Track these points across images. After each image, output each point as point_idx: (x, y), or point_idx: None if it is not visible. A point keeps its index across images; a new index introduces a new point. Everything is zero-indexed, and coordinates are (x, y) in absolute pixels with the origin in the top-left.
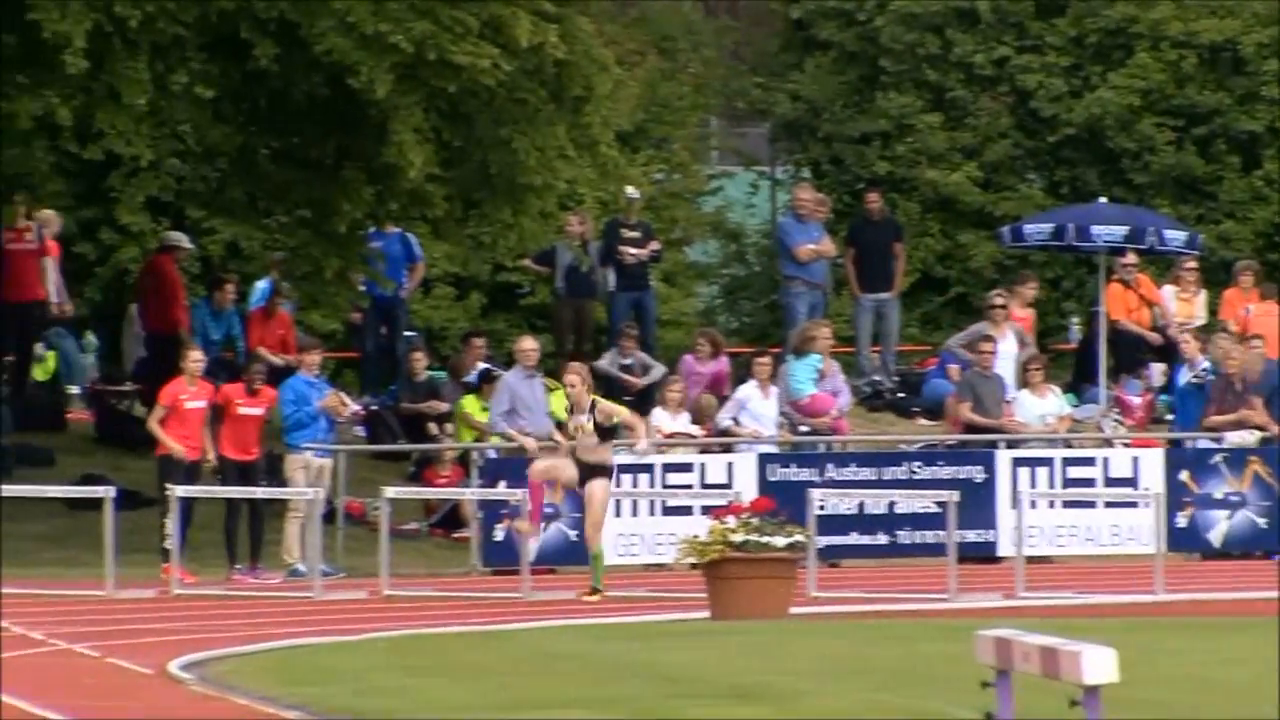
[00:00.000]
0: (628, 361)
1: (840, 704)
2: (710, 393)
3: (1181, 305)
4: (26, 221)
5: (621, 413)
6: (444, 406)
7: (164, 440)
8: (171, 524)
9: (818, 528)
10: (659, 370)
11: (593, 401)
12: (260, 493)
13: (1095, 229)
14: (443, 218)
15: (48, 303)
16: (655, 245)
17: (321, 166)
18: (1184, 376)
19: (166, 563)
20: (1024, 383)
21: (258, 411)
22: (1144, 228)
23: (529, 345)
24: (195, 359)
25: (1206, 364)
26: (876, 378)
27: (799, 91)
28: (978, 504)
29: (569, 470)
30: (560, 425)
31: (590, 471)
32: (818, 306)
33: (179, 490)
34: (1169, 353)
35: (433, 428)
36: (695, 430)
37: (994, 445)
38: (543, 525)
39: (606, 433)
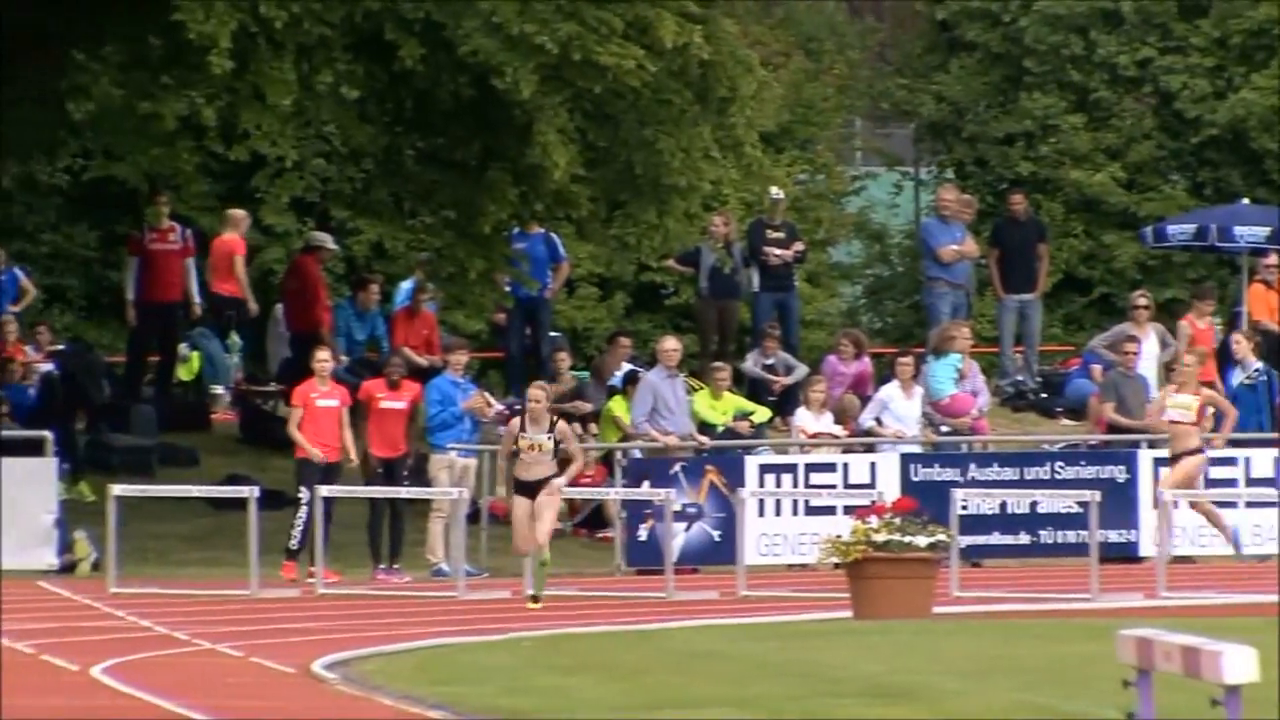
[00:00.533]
0: (770, 361)
1: (984, 703)
2: (853, 393)
3: None
4: (170, 222)
5: (572, 441)
6: (588, 407)
7: (300, 443)
8: (298, 525)
9: (960, 527)
10: (801, 370)
11: (552, 421)
12: (404, 493)
13: (1238, 229)
14: (587, 218)
15: (189, 303)
16: (799, 246)
17: (466, 167)
18: (1236, 378)
19: (289, 561)
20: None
21: (400, 405)
22: None
23: (671, 345)
24: (322, 359)
25: (1259, 365)
26: (1019, 378)
27: (943, 92)
28: (1120, 504)
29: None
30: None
31: (536, 487)
32: (960, 307)
33: (322, 490)
34: None
35: (577, 428)
36: (838, 430)
37: (1136, 445)
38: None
39: (556, 452)
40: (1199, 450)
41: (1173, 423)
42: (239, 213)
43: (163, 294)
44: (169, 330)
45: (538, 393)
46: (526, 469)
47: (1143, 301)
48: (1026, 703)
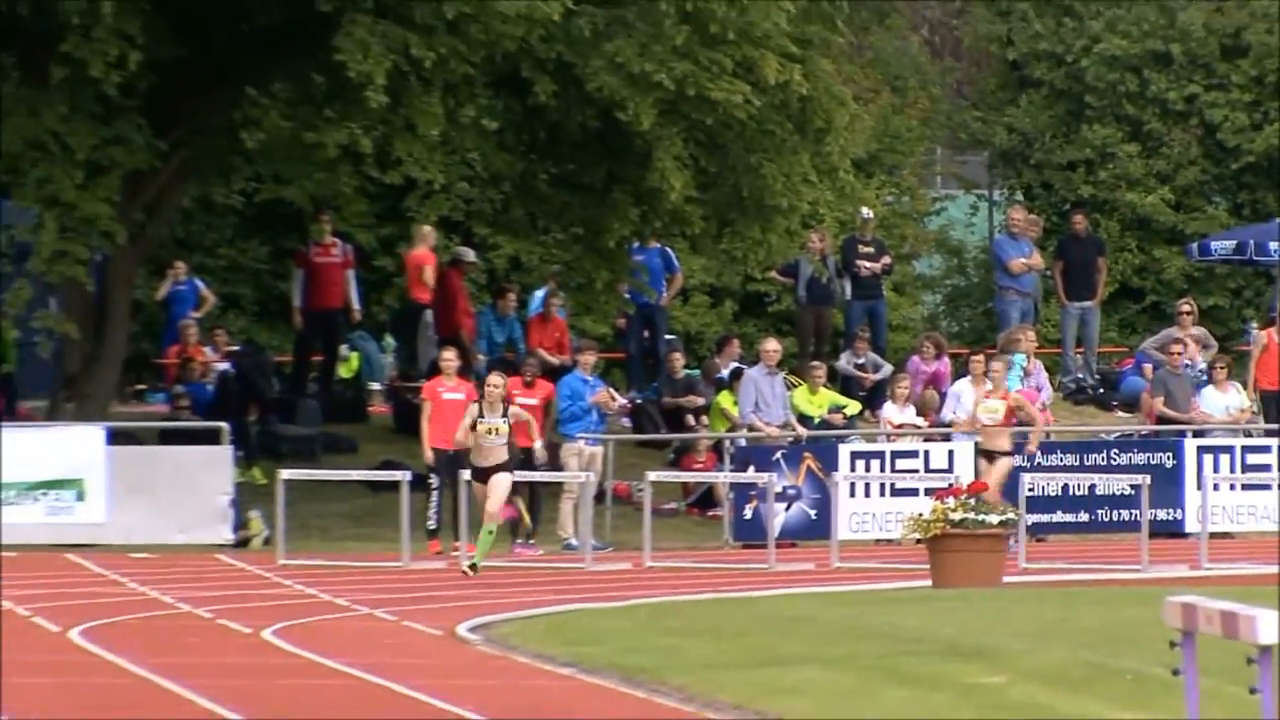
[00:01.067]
0: (860, 361)
1: (1046, 661)
2: (931, 389)
3: None
4: (332, 238)
5: (522, 414)
6: (700, 401)
7: (423, 440)
8: (432, 507)
9: (1027, 507)
10: (887, 369)
11: (505, 405)
12: (539, 476)
13: (1272, 245)
14: (699, 235)
15: (349, 309)
16: (887, 259)
17: (593, 190)
18: None
19: (432, 540)
20: (1210, 380)
21: (534, 401)
22: None
23: (772, 346)
24: (448, 358)
25: None
26: (1080, 375)
27: (1013, 124)
28: (1167, 486)
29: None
30: (473, 425)
31: (490, 473)
32: (1028, 313)
33: (465, 474)
34: None
35: (690, 419)
36: (920, 422)
37: (1182, 435)
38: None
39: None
40: (1011, 452)
41: (984, 425)
42: (428, 228)
43: (325, 301)
44: (331, 333)
45: (496, 379)
46: (483, 455)
47: (1186, 308)
48: (1083, 660)
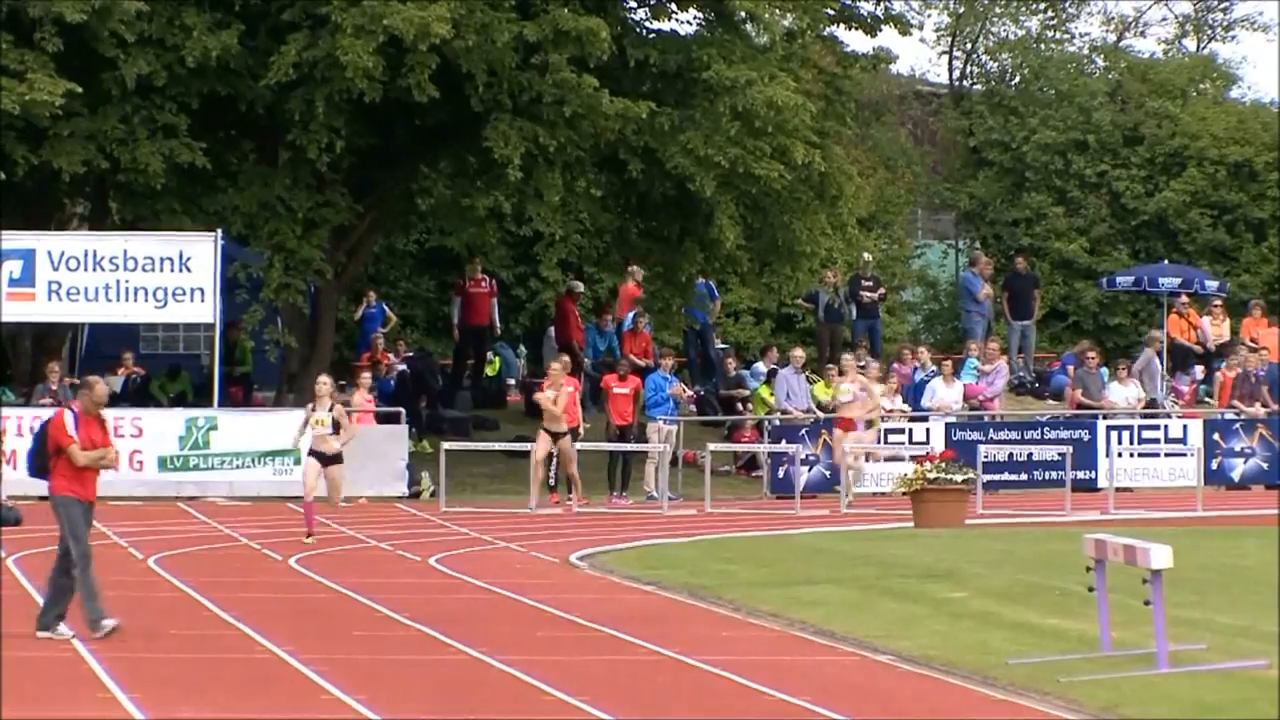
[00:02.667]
0: (862, 364)
1: (997, 582)
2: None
3: (1214, 328)
4: (481, 275)
5: (344, 418)
6: (746, 392)
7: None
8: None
9: (983, 469)
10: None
11: (332, 404)
12: (630, 447)
13: (1161, 279)
14: (747, 273)
15: (493, 326)
16: (881, 290)
17: (669, 240)
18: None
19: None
20: (1114, 377)
21: (626, 391)
22: (1191, 278)
23: (798, 353)
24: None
25: None
26: (1021, 374)
27: (973, 193)
28: (1084, 454)
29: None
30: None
31: (330, 459)
32: (986, 330)
33: (578, 445)
34: (1207, 359)
35: (739, 406)
36: (905, 407)
37: (1095, 417)
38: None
39: (336, 428)
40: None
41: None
42: (637, 269)
43: (475, 320)
44: (479, 344)
45: (324, 379)
46: (320, 442)
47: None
48: (1024, 581)
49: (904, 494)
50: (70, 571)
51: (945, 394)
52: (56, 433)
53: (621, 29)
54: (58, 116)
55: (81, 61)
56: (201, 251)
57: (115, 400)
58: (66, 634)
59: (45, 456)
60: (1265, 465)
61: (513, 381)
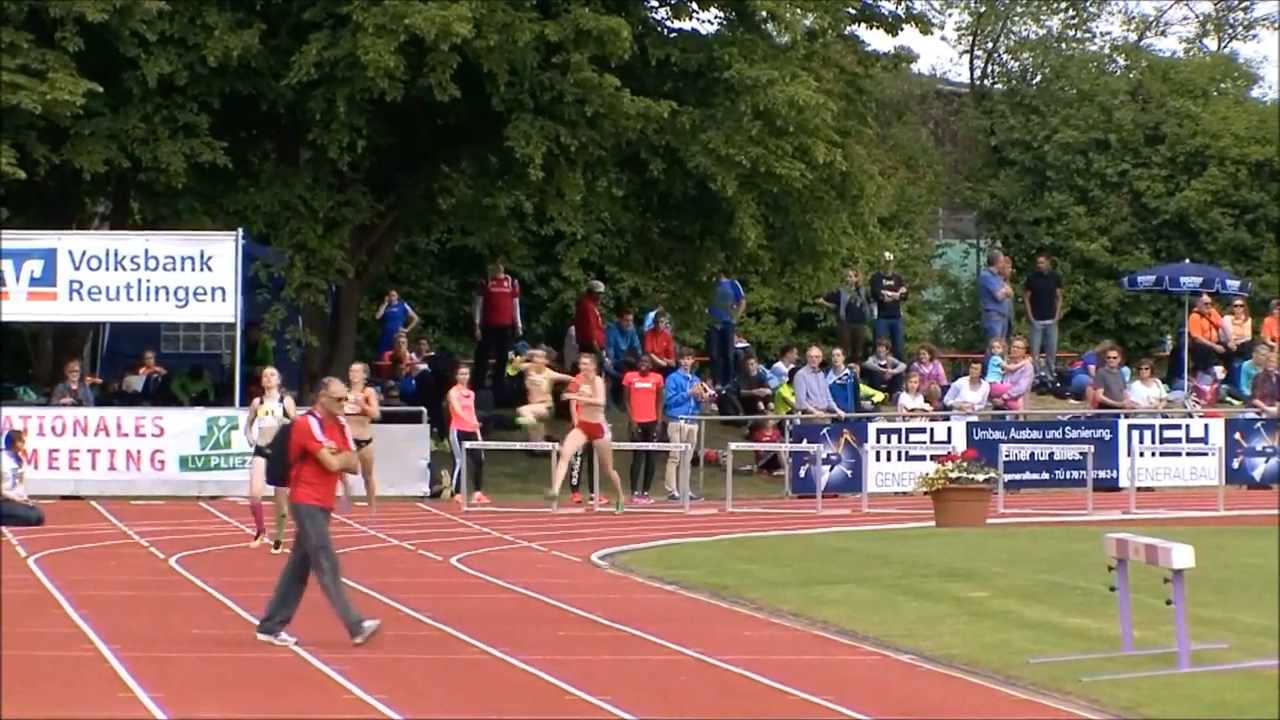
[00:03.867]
0: (883, 362)
1: (1018, 581)
2: (934, 383)
3: (1236, 328)
4: (503, 274)
5: (293, 408)
6: (767, 391)
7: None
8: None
9: (1004, 468)
10: (902, 367)
11: (281, 395)
12: (652, 446)
13: (1182, 279)
14: (768, 272)
15: (515, 325)
16: (903, 289)
17: (690, 240)
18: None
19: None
20: (1136, 376)
21: (648, 386)
22: (1213, 278)
23: (815, 353)
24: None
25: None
26: (1043, 374)
27: (994, 192)
28: (1106, 454)
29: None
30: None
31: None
32: (1006, 329)
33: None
34: (1229, 358)
35: (760, 405)
36: (927, 407)
37: (1117, 416)
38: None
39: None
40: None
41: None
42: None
43: (498, 320)
44: (501, 343)
45: (270, 371)
46: (264, 436)
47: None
48: (1044, 580)
49: (925, 493)
50: (306, 579)
51: (969, 395)
52: (303, 438)
53: (643, 28)
54: (79, 116)
55: (103, 61)
56: (222, 251)
57: (136, 399)
58: (289, 641)
59: (286, 463)
60: None
61: None
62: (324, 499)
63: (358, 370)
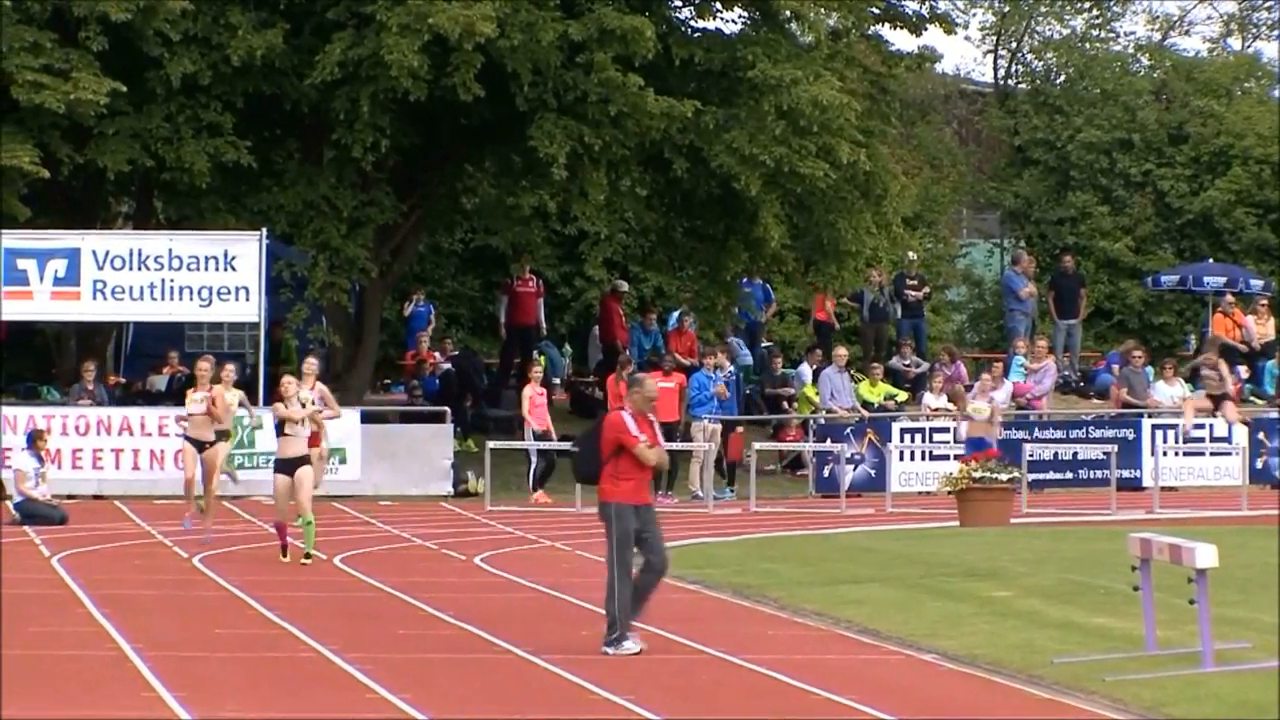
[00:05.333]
0: (907, 362)
1: (1042, 580)
2: (958, 384)
3: (1259, 327)
4: (528, 274)
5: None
6: (792, 390)
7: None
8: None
9: (1028, 468)
10: (926, 367)
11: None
12: (675, 446)
13: (1206, 278)
14: (792, 272)
15: (539, 325)
16: (926, 289)
17: (714, 239)
18: None
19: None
20: (1160, 376)
21: (670, 385)
22: (1236, 277)
23: (841, 352)
24: (624, 360)
25: None
26: (1066, 373)
27: (1018, 192)
28: (1129, 453)
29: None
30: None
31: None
32: (1029, 329)
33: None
34: (1252, 357)
35: (784, 404)
36: (950, 407)
37: (1140, 415)
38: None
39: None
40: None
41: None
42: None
43: (522, 320)
44: (526, 343)
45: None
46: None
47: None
48: (1068, 579)
49: (949, 493)
50: (659, 576)
51: (993, 394)
52: (618, 433)
53: (666, 28)
54: (103, 115)
55: (126, 60)
56: (246, 250)
57: (159, 399)
58: (629, 647)
59: (597, 459)
60: None
61: (558, 380)
62: (635, 496)
63: (204, 370)
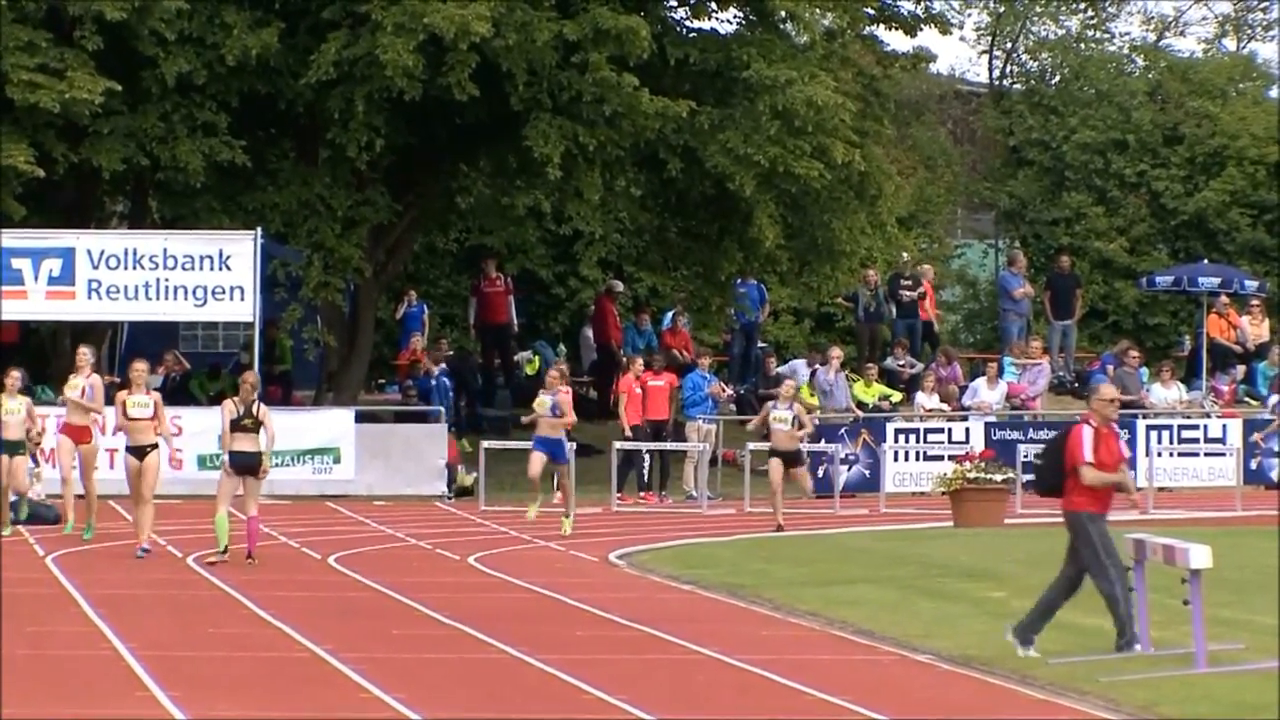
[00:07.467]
0: (901, 362)
1: (1037, 581)
2: (952, 384)
3: (1254, 328)
4: (497, 273)
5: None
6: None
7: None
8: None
9: (1022, 469)
10: (920, 367)
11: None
12: (668, 446)
13: (1200, 279)
14: (787, 272)
15: (511, 322)
16: (921, 289)
17: (709, 239)
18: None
19: (647, 492)
20: (1155, 378)
21: (661, 383)
22: (1231, 278)
23: (835, 353)
24: (629, 359)
25: None
26: (1061, 374)
27: (1013, 192)
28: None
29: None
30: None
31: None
32: (1023, 329)
33: (618, 444)
34: (1246, 358)
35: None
36: (944, 407)
37: (1135, 416)
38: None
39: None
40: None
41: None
42: (926, 268)
43: (493, 318)
44: (500, 341)
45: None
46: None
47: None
48: None
49: (943, 493)
50: (1073, 594)
51: (987, 394)
52: (1073, 448)
53: (661, 28)
54: (98, 115)
55: (121, 60)
56: (241, 250)
57: None
58: (1032, 654)
59: (1057, 472)
60: None
61: None
62: (1098, 504)
63: (14, 379)
